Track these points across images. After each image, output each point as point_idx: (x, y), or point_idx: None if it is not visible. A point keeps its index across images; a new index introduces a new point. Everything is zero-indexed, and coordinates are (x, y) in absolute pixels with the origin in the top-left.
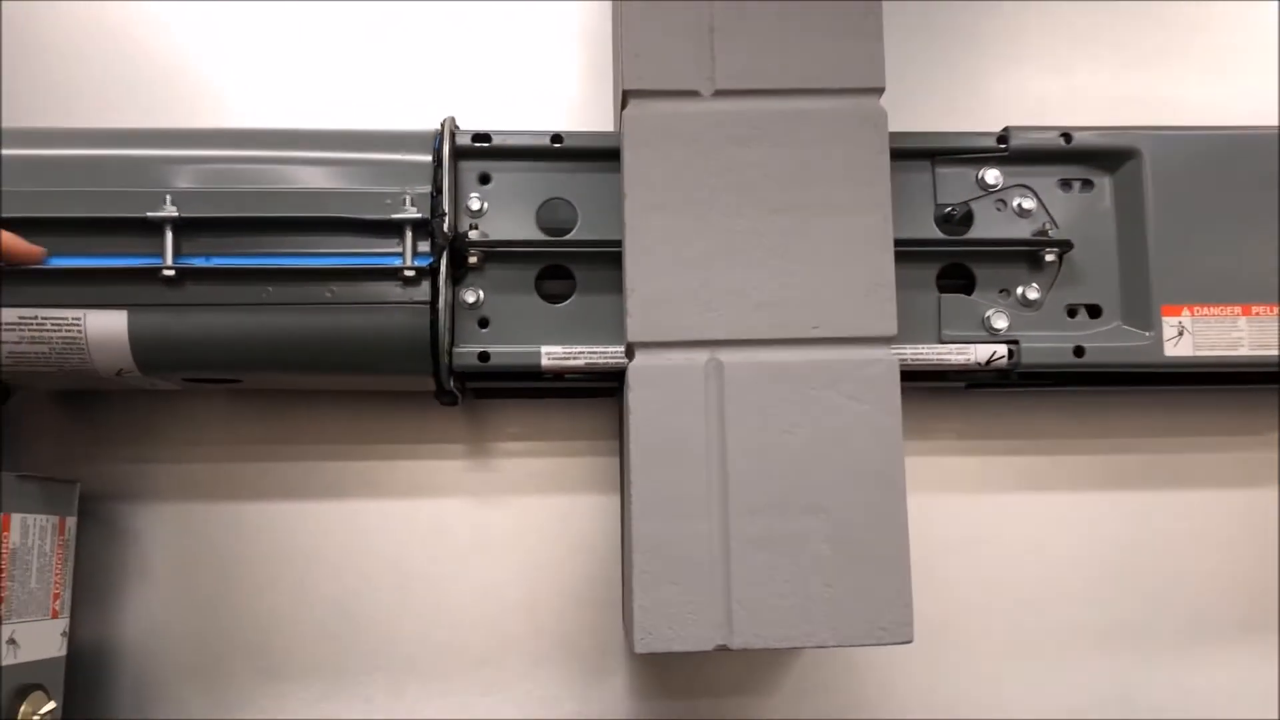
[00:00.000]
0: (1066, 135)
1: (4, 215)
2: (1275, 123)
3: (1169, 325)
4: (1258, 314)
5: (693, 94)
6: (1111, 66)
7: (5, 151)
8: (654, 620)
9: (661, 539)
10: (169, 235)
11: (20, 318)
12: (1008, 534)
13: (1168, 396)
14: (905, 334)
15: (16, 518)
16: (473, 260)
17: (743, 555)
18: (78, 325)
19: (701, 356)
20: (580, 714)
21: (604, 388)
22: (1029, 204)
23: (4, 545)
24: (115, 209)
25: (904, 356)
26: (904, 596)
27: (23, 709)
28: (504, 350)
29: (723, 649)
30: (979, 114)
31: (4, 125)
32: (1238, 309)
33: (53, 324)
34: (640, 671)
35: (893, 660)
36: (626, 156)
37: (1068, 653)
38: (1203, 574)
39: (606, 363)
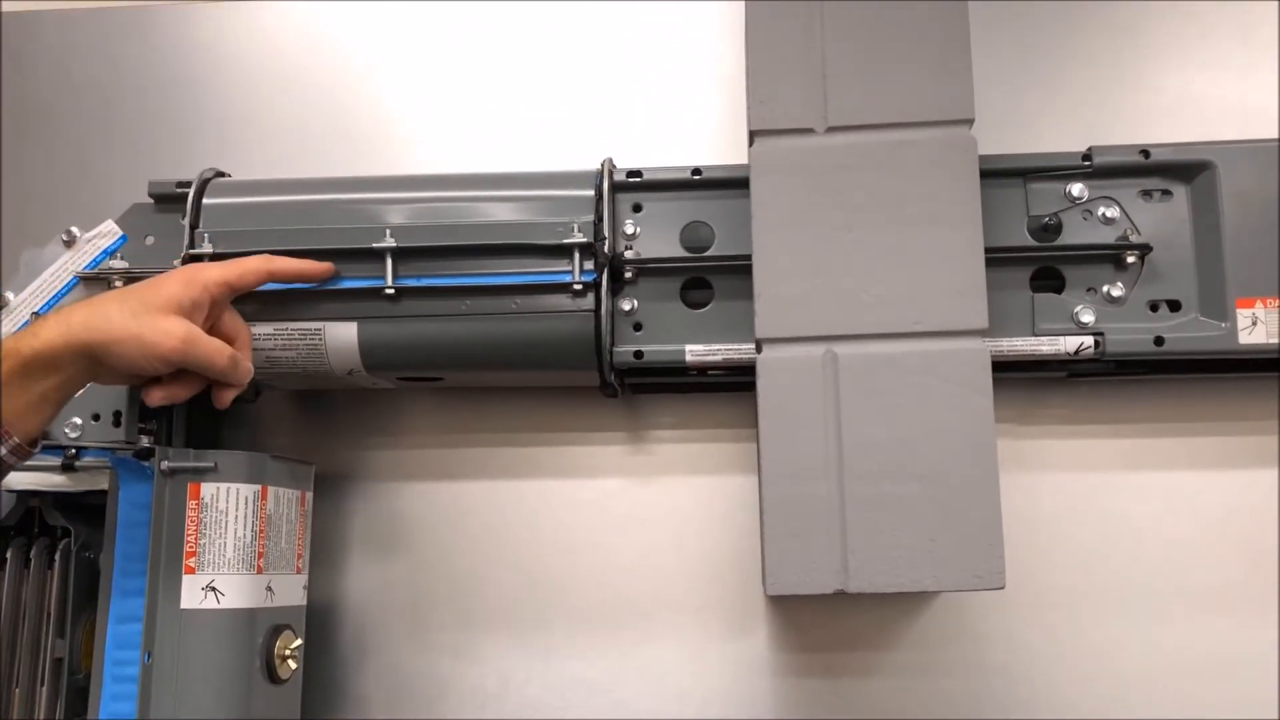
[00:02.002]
0: (1145, 152)
1: (265, 249)
2: None
3: (1243, 316)
4: None
5: (808, 131)
6: (1192, 78)
7: (261, 199)
8: (782, 568)
9: (788, 500)
10: (389, 261)
11: (275, 329)
12: (1107, 509)
13: (1249, 383)
14: (1002, 328)
15: (271, 489)
16: (628, 275)
17: (857, 514)
18: (319, 334)
19: (819, 349)
20: (728, 662)
21: (742, 383)
22: (1112, 213)
23: (263, 510)
24: (347, 242)
25: (1000, 347)
26: (996, 549)
27: (278, 643)
28: (655, 349)
29: (840, 593)
30: (1067, 129)
31: (251, 177)
32: None
33: (300, 334)
34: (777, 627)
35: (1004, 617)
36: (754, 185)
37: (1159, 615)
38: None
39: (740, 358)
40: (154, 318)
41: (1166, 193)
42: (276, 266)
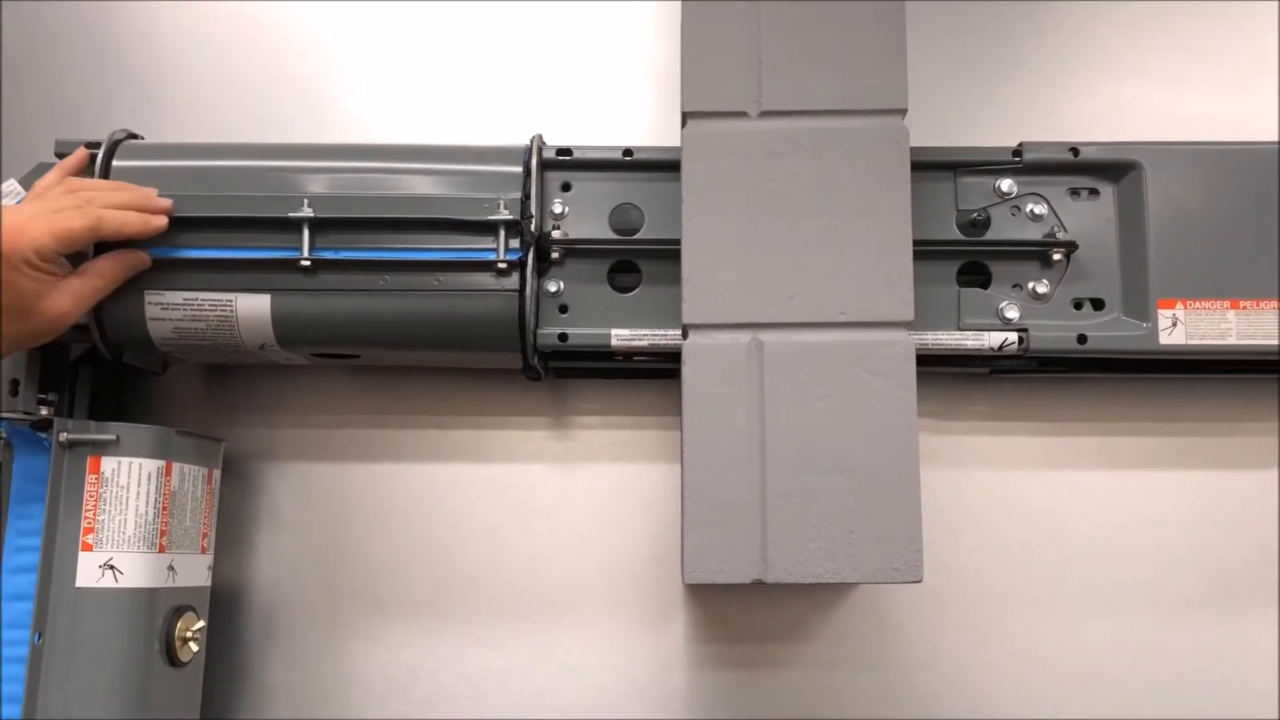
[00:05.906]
0: (1075, 150)
1: (176, 215)
2: (1275, 137)
3: (1164, 316)
4: (1244, 308)
5: (742, 115)
6: (1124, 83)
7: (175, 163)
8: (701, 556)
9: (709, 489)
10: (306, 232)
11: (183, 299)
12: (1027, 506)
13: (1171, 385)
14: (928, 322)
15: (176, 466)
16: (555, 256)
17: (777, 504)
18: (230, 306)
19: (745, 337)
20: (645, 653)
21: (667, 369)
22: (1040, 210)
23: (167, 487)
24: (262, 210)
25: (925, 341)
26: (915, 542)
27: (179, 625)
28: (580, 332)
29: (758, 582)
30: (999, 128)
31: (172, 140)
32: (1226, 303)
33: (210, 305)
34: (697, 617)
35: (921, 614)
36: (685, 167)
37: (1078, 613)
38: (1204, 547)
39: (666, 343)
40: (32, 314)
41: (1094, 192)
42: (107, 225)
